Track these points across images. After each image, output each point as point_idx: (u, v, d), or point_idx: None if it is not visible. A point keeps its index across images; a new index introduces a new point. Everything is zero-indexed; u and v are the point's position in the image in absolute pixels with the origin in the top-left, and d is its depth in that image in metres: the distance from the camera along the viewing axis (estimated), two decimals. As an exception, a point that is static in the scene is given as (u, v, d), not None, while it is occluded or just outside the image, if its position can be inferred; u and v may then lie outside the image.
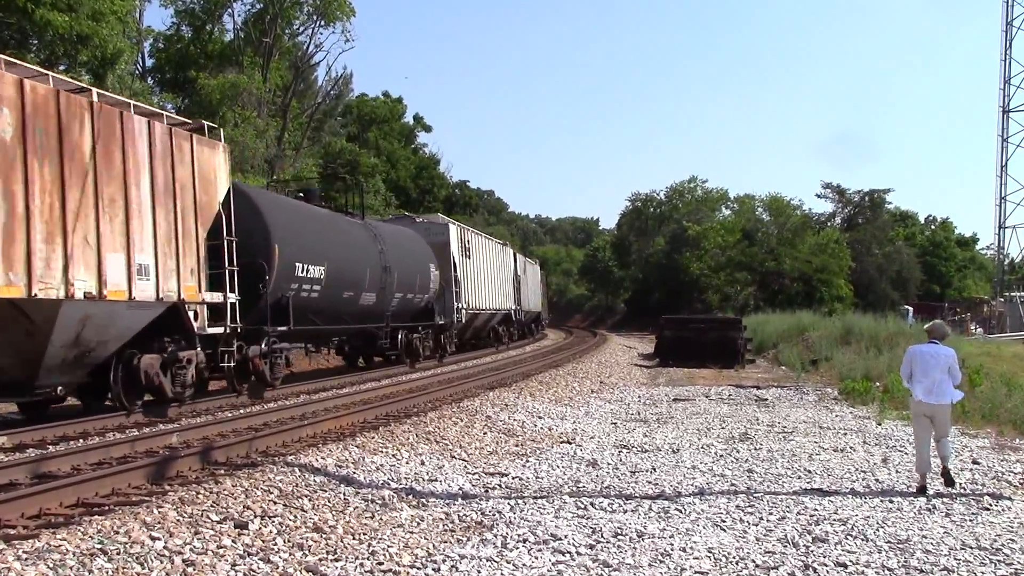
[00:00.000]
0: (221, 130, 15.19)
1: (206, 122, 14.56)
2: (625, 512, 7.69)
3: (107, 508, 6.94)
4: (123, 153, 11.79)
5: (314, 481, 8.28)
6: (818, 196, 77.75)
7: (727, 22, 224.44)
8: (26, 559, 5.45)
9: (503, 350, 33.73)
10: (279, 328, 15.26)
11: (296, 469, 8.58)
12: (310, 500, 7.63)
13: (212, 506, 7.04)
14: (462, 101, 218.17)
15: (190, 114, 34.61)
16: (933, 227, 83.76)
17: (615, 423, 14.19)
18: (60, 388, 11.58)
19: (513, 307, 37.31)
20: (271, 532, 6.59)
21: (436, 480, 9.05)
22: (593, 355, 30.01)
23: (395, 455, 10.09)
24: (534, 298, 46.54)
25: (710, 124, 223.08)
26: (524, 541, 6.62)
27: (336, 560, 6.09)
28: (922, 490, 8.58)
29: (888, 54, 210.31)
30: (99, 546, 5.80)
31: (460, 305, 27.02)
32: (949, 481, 8.76)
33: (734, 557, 6.23)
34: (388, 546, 6.44)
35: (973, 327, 48.31)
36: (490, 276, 32.60)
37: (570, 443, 11.95)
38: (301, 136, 44.62)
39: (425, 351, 23.86)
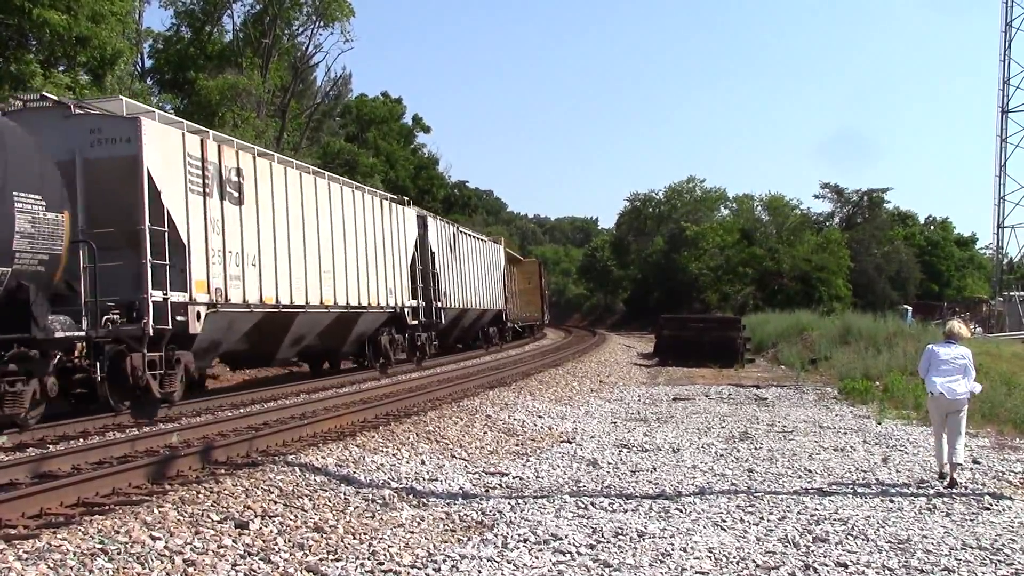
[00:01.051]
0: None
1: None
2: (625, 512, 7.69)
3: (108, 508, 6.93)
4: None
5: (314, 480, 8.29)
6: (816, 196, 77.90)
7: (726, 22, 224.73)
8: (27, 559, 5.45)
9: (396, 373, 21.33)
10: None
11: (296, 468, 8.58)
12: (310, 500, 7.63)
13: (212, 506, 7.04)
14: (461, 101, 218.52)
15: (190, 115, 34.61)
16: (932, 227, 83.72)
17: (615, 422, 14.19)
18: None
19: (411, 303, 22.68)
20: (272, 532, 6.59)
21: (436, 480, 9.05)
22: (592, 354, 30.02)
23: (395, 454, 10.10)
24: (488, 290, 33.19)
25: (709, 124, 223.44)
26: (525, 541, 6.62)
27: (337, 560, 6.09)
28: (944, 478, 8.88)
29: (888, 54, 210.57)
30: (100, 546, 5.80)
31: (187, 296, 13.07)
32: (951, 482, 8.79)
33: (735, 557, 6.23)
34: (389, 546, 6.45)
35: (972, 326, 48.36)
36: (343, 246, 18.68)
37: (570, 442, 11.95)
38: (300, 136, 44.60)
39: (21, 403, 10.41)
